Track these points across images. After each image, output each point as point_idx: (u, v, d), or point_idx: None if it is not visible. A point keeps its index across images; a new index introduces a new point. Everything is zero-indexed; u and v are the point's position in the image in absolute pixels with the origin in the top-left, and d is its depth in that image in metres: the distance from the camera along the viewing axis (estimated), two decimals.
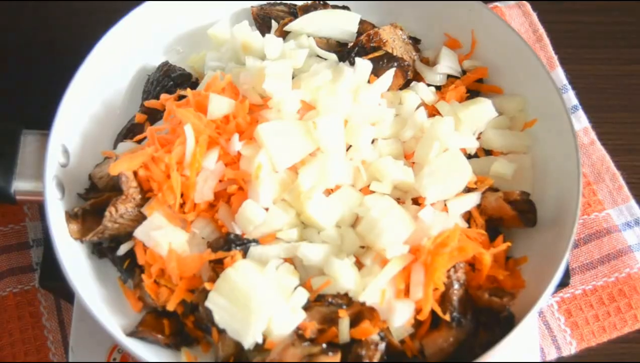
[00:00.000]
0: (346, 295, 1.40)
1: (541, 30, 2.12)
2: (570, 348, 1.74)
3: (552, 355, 1.73)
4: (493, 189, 1.53)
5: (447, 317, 1.38)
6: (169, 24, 1.72)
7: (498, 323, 1.36)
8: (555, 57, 2.07)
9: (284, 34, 1.71)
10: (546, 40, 2.10)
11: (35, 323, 1.72)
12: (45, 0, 2.14)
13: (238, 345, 1.37)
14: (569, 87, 2.03)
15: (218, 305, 1.36)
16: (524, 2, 2.15)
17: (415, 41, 1.74)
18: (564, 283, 1.59)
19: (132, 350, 1.33)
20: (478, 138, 1.62)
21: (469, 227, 1.50)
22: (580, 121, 1.99)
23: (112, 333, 1.34)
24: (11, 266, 1.77)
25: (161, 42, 1.74)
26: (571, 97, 2.01)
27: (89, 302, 1.36)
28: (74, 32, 2.05)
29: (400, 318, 1.38)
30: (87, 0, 2.14)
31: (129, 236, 1.48)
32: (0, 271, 1.76)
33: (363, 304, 1.39)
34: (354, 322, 1.39)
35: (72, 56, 1.53)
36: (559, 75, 2.04)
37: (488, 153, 1.63)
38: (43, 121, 1.49)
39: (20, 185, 1.48)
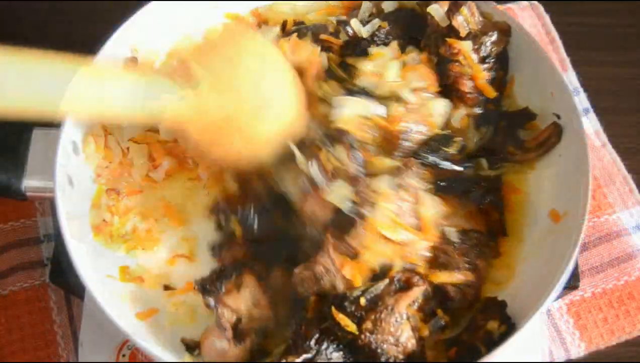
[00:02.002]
0: None
1: (554, 32, 2.11)
2: (579, 351, 1.73)
3: (561, 357, 1.72)
4: None
5: None
6: (174, 24, 1.72)
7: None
8: (567, 60, 2.07)
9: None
10: (558, 42, 2.10)
11: (46, 318, 1.73)
12: (52, 0, 2.16)
13: None
14: (580, 89, 2.02)
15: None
16: (536, 3, 2.15)
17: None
18: (573, 286, 1.59)
19: (142, 345, 1.34)
20: None
21: None
22: (592, 124, 1.99)
23: (122, 328, 1.34)
24: (22, 261, 1.78)
25: (167, 41, 1.74)
26: (582, 100, 2.01)
27: (99, 297, 1.37)
28: (82, 30, 2.06)
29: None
30: (94, 0, 2.15)
31: None
32: (11, 266, 1.77)
33: None
34: None
35: (82, 52, 1.53)
36: (571, 77, 2.04)
37: None
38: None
39: (30, 181, 1.49)
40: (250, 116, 1.40)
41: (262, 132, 1.43)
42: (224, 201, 1.50)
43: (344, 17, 1.74)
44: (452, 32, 1.59)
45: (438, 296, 1.40)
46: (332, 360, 1.28)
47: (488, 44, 1.58)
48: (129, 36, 1.63)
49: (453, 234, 1.44)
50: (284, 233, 1.45)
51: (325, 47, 1.65)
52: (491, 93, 1.58)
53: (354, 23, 1.69)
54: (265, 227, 1.44)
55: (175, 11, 1.69)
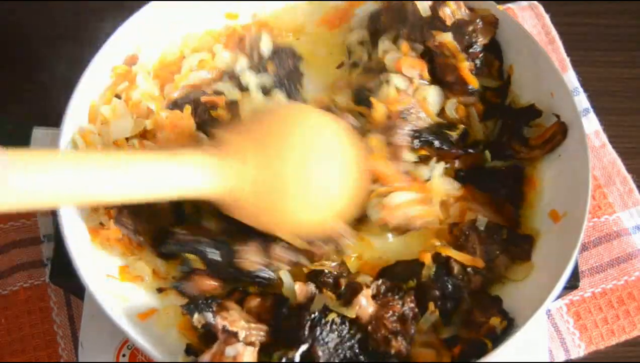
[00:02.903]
0: None
1: (553, 32, 2.11)
2: (579, 351, 1.74)
3: (561, 357, 1.72)
4: None
5: None
6: (174, 25, 1.71)
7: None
8: (567, 60, 2.07)
9: None
10: (558, 42, 2.10)
11: (45, 318, 1.73)
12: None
13: None
14: (580, 89, 2.02)
15: None
16: (536, 3, 2.15)
17: None
18: (573, 286, 1.59)
19: (142, 345, 1.33)
20: None
21: None
22: (592, 124, 1.99)
23: (122, 328, 1.34)
24: (22, 261, 1.78)
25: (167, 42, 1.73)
26: (582, 100, 2.01)
27: (99, 297, 1.37)
28: (85, 29, 2.06)
29: None
30: (97, 0, 2.15)
31: None
32: (11, 266, 1.77)
33: None
34: None
35: (82, 53, 1.54)
36: (571, 78, 2.04)
37: None
38: (54, 118, 1.50)
39: None
40: (298, 199, 1.34)
41: (309, 215, 1.38)
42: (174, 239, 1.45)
43: None
44: (438, 21, 1.60)
45: (440, 275, 1.42)
46: (329, 344, 1.29)
47: (471, 32, 1.60)
48: (130, 35, 1.63)
49: (482, 223, 1.46)
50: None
51: None
52: (474, 83, 1.59)
53: None
54: (229, 259, 1.42)
55: (176, 11, 1.69)
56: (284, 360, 1.27)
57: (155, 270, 1.49)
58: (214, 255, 1.42)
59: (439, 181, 1.49)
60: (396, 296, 1.36)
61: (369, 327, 1.32)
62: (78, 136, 1.50)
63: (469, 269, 1.42)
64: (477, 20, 1.60)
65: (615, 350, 1.74)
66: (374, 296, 1.35)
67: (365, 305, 1.32)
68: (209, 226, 1.48)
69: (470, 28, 1.59)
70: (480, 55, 1.62)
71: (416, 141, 1.51)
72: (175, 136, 1.52)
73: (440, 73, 1.59)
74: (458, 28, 1.59)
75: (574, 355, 1.73)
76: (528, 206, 1.55)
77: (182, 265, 1.48)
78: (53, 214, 1.79)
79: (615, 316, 1.76)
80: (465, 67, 1.58)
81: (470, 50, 1.60)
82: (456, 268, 1.41)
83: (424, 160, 1.53)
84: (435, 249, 1.44)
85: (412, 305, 1.36)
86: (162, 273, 1.49)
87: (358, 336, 1.33)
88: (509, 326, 1.34)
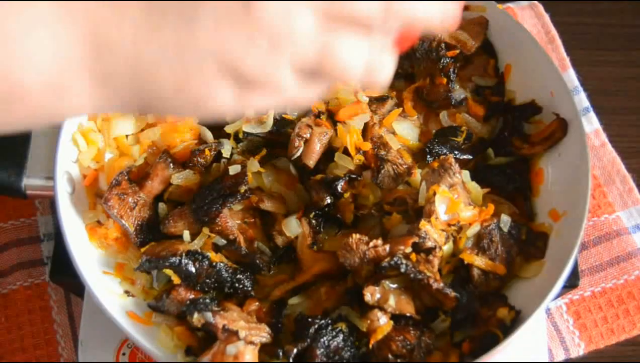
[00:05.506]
0: None
1: (553, 31, 2.11)
2: (579, 350, 1.74)
3: (560, 356, 1.73)
4: None
5: None
6: None
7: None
8: (567, 59, 2.07)
9: None
10: (558, 41, 2.10)
11: (45, 317, 1.73)
12: None
13: None
14: (580, 89, 2.02)
15: None
16: (536, 2, 2.15)
17: None
18: (573, 285, 1.59)
19: (142, 343, 1.34)
20: None
21: None
22: (592, 123, 1.99)
23: (122, 326, 1.34)
24: (22, 260, 1.78)
25: None
26: (582, 99, 2.01)
27: (99, 296, 1.37)
28: None
29: None
30: None
31: None
32: (11, 265, 1.77)
33: None
34: None
35: None
36: (571, 77, 2.04)
37: None
38: None
39: (31, 180, 1.49)
40: None
41: None
42: (149, 253, 1.42)
43: None
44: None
45: (458, 277, 1.41)
46: (330, 347, 1.30)
47: (436, 47, 1.61)
48: None
49: (506, 222, 1.44)
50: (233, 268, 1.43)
51: None
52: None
53: None
54: (206, 269, 1.41)
55: None
56: (281, 354, 1.28)
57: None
58: (189, 266, 1.40)
59: (472, 184, 1.48)
60: (414, 328, 1.34)
61: (374, 344, 1.31)
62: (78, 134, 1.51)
63: (490, 275, 1.41)
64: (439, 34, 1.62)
65: (615, 349, 1.74)
66: (393, 317, 1.34)
67: (380, 322, 1.32)
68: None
69: (434, 44, 1.61)
70: (452, 67, 1.62)
71: (429, 157, 1.53)
72: (176, 128, 1.53)
73: (426, 96, 1.63)
74: (428, 51, 1.61)
75: (573, 355, 1.73)
76: (538, 199, 1.55)
77: (157, 282, 1.47)
78: (53, 213, 1.80)
79: (615, 316, 1.76)
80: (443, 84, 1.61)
81: (441, 65, 1.62)
82: (476, 276, 1.40)
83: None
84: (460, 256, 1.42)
85: (429, 341, 1.34)
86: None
87: (362, 350, 1.33)
88: (517, 316, 1.34)
